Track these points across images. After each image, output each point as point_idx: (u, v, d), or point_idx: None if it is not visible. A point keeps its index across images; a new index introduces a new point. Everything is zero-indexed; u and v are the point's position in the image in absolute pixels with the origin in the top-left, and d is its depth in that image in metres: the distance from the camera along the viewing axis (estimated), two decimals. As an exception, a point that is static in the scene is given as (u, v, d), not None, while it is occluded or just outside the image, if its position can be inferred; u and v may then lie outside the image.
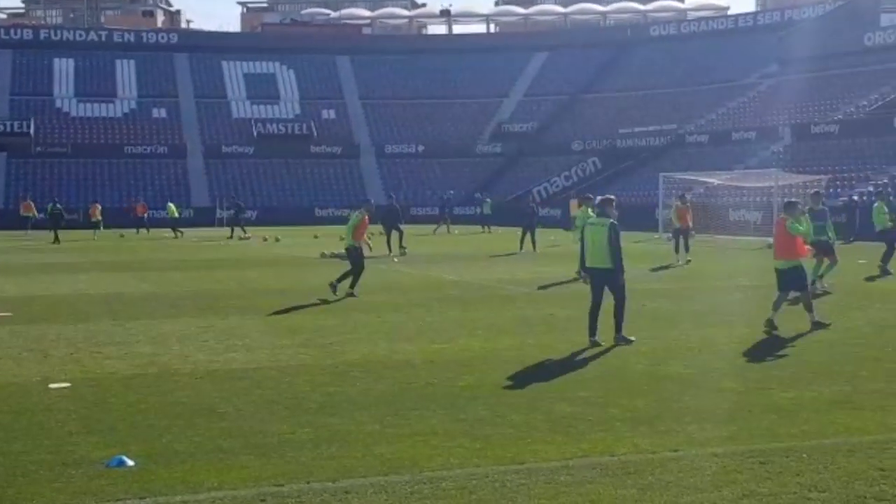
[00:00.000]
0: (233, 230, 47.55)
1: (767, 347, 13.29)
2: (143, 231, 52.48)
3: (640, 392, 10.41)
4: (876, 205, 26.13)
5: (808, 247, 15.40)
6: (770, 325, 14.45)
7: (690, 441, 8.41)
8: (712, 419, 9.18)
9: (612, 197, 14.31)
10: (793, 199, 16.10)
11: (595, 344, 13.22)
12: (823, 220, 20.34)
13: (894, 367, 11.79)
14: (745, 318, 16.35)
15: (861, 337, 14.18)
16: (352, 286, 20.19)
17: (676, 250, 28.24)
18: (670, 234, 28.89)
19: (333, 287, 19.74)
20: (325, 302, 18.97)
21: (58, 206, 47.59)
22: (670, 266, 27.05)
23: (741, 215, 47.65)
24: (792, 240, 14.73)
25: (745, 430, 8.80)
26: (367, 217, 21.33)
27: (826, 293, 19.72)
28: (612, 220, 13.40)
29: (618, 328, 13.43)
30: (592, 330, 13.42)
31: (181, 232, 49.56)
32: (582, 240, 14.02)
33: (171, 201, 55.68)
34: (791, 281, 14.89)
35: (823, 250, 20.23)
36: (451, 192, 64.48)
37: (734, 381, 10.98)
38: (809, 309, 14.85)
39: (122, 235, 50.27)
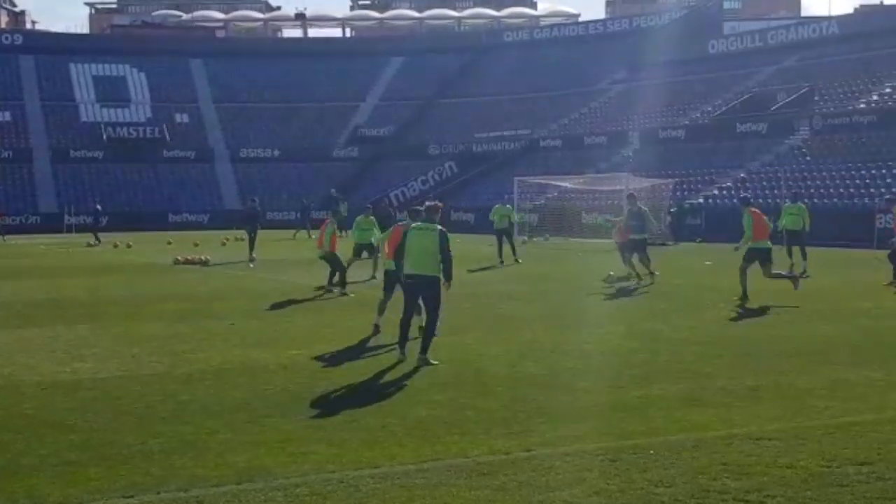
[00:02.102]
0: (96, 235, 46.55)
1: (617, 348, 13.63)
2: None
3: (494, 394, 10.54)
4: (788, 205, 27.02)
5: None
6: (376, 328, 14.80)
7: (543, 441, 8.56)
8: (564, 419, 9.37)
9: (441, 203, 13.60)
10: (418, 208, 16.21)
11: (403, 359, 12.45)
12: (640, 220, 23.56)
13: (738, 364, 12.24)
14: (597, 320, 16.75)
15: (708, 336, 14.67)
16: (341, 285, 21.36)
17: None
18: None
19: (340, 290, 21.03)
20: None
21: None
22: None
23: (593, 218, 48.68)
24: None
25: (595, 428, 9.00)
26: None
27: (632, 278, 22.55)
28: (441, 227, 12.68)
29: (424, 348, 12.38)
30: (403, 342, 12.70)
31: None
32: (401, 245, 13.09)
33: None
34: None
35: (640, 247, 23.25)
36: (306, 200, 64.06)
37: (586, 380, 11.22)
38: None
39: None
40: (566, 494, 7.05)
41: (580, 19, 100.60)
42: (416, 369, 11.99)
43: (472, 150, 70.57)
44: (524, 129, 70.05)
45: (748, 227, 19.24)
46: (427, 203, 13.33)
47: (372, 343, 14.17)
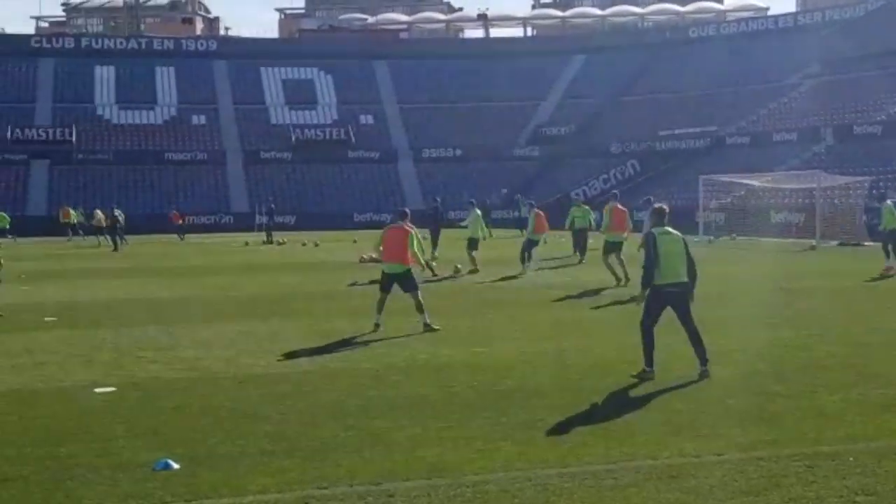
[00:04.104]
0: (269, 235, 48.04)
1: (812, 351, 13.15)
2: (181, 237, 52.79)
3: (681, 395, 10.35)
4: (888, 204, 25.84)
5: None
6: (376, 326, 15.37)
7: (734, 445, 8.35)
8: (756, 423, 9.11)
9: (666, 207, 12.29)
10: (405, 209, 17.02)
11: (652, 376, 11.25)
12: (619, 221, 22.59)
13: (941, 369, 11.66)
14: (789, 321, 16.22)
15: (906, 339, 14.02)
16: None
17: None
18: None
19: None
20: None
21: (115, 212, 46.36)
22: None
23: (783, 217, 47.26)
24: (404, 246, 15.56)
25: (789, 433, 8.72)
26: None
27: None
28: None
29: (703, 361, 11.44)
30: (651, 352, 11.51)
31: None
32: (651, 254, 11.53)
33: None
34: (403, 284, 15.69)
35: (617, 249, 22.33)
36: (504, 189, 64.61)
37: (777, 384, 10.88)
38: (421, 310, 15.47)
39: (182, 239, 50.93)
40: (761, 500, 6.87)
41: (769, 13, 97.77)
42: (598, 370, 11.86)
43: (656, 148, 69.48)
44: (710, 126, 68.52)
45: None
46: (655, 205, 12.39)
47: (556, 343, 14.11)
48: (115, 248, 42.82)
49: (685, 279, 11.64)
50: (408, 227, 15.87)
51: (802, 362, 12.29)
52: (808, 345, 13.65)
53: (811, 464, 7.69)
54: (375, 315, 15.59)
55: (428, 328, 15.27)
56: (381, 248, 16.12)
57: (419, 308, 15.49)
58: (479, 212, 28.68)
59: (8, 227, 50.91)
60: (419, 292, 15.65)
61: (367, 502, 6.98)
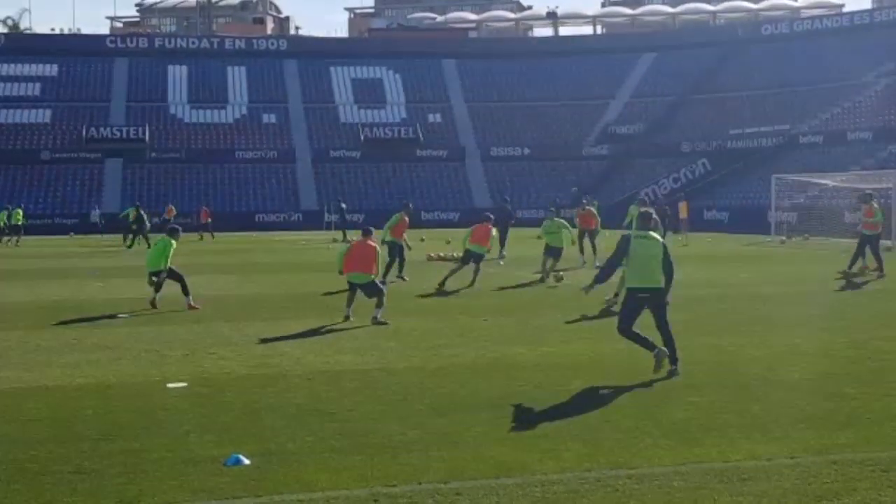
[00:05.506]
0: (345, 234, 48.18)
1: (887, 354, 12.91)
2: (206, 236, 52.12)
3: (753, 397, 10.22)
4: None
5: None
6: (346, 318, 16.64)
7: (807, 448, 8.23)
8: (830, 426, 8.97)
9: (654, 214, 12.49)
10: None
11: (665, 355, 11.45)
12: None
13: None
14: (863, 322, 15.94)
15: None
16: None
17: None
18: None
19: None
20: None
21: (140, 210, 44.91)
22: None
23: (858, 217, 46.41)
24: (371, 259, 17.08)
25: (864, 437, 8.58)
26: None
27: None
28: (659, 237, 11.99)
29: (673, 359, 11.54)
30: (649, 344, 11.59)
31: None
32: (618, 253, 11.85)
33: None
34: (368, 291, 16.86)
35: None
36: (575, 188, 64.45)
37: (852, 386, 10.69)
38: (379, 306, 16.57)
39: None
40: (834, 505, 6.75)
41: (844, 10, 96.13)
42: (671, 370, 11.75)
43: (727, 146, 68.67)
44: (782, 124, 67.56)
45: None
46: (641, 209, 12.98)
47: (626, 343, 13.97)
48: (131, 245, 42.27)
49: (660, 285, 11.66)
50: (373, 243, 17.45)
51: (877, 364, 12.07)
52: (882, 347, 13.40)
53: (886, 468, 7.55)
54: (346, 308, 16.83)
55: (377, 322, 16.19)
56: (343, 258, 17.39)
57: (378, 304, 16.54)
58: (559, 220, 26.02)
59: (21, 222, 50.05)
60: (383, 296, 16.67)
61: (434, 500, 6.99)
